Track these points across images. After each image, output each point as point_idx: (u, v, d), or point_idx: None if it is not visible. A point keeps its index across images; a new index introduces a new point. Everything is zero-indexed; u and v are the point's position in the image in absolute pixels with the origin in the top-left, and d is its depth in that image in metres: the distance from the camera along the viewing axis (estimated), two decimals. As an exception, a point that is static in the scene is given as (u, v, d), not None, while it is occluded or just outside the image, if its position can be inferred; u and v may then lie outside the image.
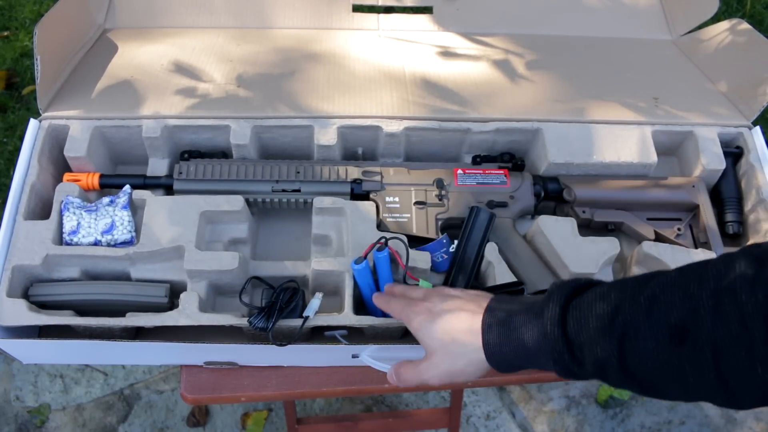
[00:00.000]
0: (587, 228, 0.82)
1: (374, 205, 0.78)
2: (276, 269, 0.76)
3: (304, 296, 0.72)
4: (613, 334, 0.48)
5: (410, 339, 0.78)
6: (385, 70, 0.92)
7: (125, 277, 0.76)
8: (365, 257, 0.71)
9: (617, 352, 0.48)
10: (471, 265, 0.75)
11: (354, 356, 0.74)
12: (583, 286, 0.53)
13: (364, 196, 0.80)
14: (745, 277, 0.42)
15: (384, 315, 0.74)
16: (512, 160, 0.85)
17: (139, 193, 0.77)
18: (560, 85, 0.92)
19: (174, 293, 0.74)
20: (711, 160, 0.84)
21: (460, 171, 0.83)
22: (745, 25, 0.91)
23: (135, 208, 0.78)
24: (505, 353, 0.55)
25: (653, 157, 0.83)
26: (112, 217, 0.75)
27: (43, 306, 0.72)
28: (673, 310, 0.46)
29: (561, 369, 0.52)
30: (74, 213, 0.75)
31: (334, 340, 0.71)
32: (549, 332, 0.52)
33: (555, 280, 0.56)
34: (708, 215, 0.82)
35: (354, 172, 0.81)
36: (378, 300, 0.68)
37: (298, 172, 0.80)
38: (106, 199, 0.77)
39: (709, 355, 0.43)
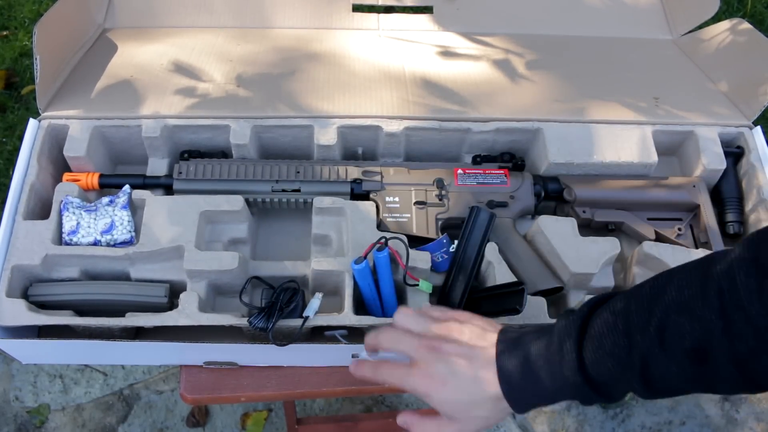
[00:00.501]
0: (587, 228, 0.82)
1: (374, 205, 0.78)
2: (276, 269, 0.76)
3: (304, 296, 0.72)
4: (633, 368, 0.48)
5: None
6: (385, 70, 0.92)
7: (125, 277, 0.76)
8: (365, 257, 0.70)
9: (642, 383, 0.48)
10: (471, 265, 0.75)
11: (354, 356, 0.74)
12: (587, 314, 0.51)
13: (364, 196, 0.80)
14: (750, 290, 0.42)
15: (384, 315, 0.73)
16: (512, 160, 0.85)
17: (138, 193, 0.77)
18: (560, 85, 0.92)
19: (174, 293, 0.74)
20: (711, 160, 0.84)
21: (460, 171, 0.82)
22: (745, 25, 0.91)
23: (134, 208, 0.78)
24: (528, 400, 0.53)
25: (654, 157, 0.83)
26: (111, 217, 0.75)
27: (42, 306, 0.72)
28: (685, 335, 0.45)
29: (586, 402, 0.52)
30: (74, 213, 0.75)
31: (334, 340, 0.71)
32: (571, 380, 0.50)
33: (558, 317, 0.54)
34: (709, 215, 0.81)
35: (354, 172, 0.81)
36: (360, 369, 0.60)
37: (298, 172, 0.80)
38: (105, 199, 0.77)
39: (733, 369, 0.44)
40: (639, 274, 0.77)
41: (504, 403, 0.53)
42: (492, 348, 0.53)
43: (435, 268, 0.75)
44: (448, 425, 0.55)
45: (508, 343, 0.53)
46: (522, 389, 0.52)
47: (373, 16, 1.03)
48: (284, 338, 0.68)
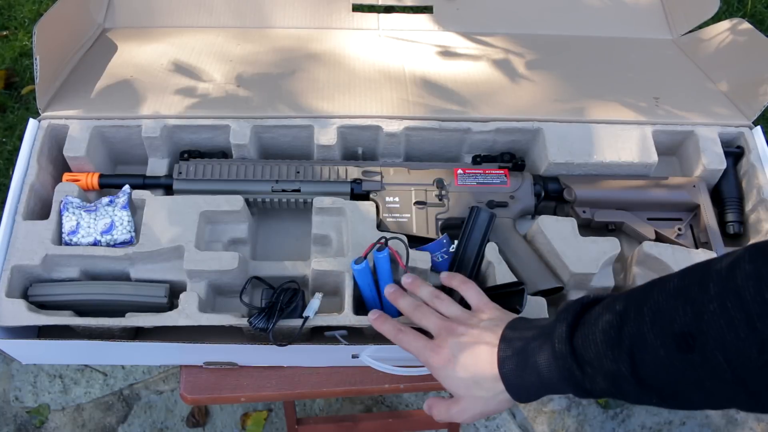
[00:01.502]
0: (587, 228, 0.82)
1: (374, 205, 0.78)
2: (276, 269, 0.76)
3: (304, 296, 0.72)
4: (622, 347, 0.48)
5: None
6: (385, 70, 0.92)
7: (125, 277, 0.76)
8: (365, 257, 0.70)
9: (629, 366, 0.48)
10: (471, 265, 0.75)
11: (354, 356, 0.74)
12: (592, 301, 0.53)
13: (364, 196, 0.80)
14: (748, 276, 0.41)
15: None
16: (512, 160, 0.85)
17: (138, 193, 0.77)
18: (560, 84, 0.92)
19: (174, 293, 0.74)
20: (712, 160, 0.84)
21: (460, 171, 0.82)
22: (746, 25, 0.91)
23: (134, 208, 0.78)
24: (524, 383, 0.56)
25: (654, 157, 0.83)
26: (111, 217, 0.75)
27: (42, 306, 0.72)
28: (676, 318, 0.45)
29: (575, 388, 0.52)
30: (74, 213, 0.75)
31: (334, 340, 0.71)
32: (558, 351, 0.52)
33: (566, 301, 0.57)
34: (709, 215, 0.81)
35: (354, 172, 0.81)
36: (381, 324, 0.66)
37: (298, 172, 0.80)
38: (105, 199, 0.77)
39: (722, 359, 0.43)
40: (639, 274, 0.77)
41: (501, 385, 0.56)
42: (499, 332, 0.59)
43: (435, 268, 0.75)
44: (454, 404, 0.60)
45: (512, 329, 0.59)
46: (515, 366, 0.56)
47: (373, 16, 1.03)
48: (284, 338, 0.68)
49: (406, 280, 0.68)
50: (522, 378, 0.55)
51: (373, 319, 0.67)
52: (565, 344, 0.51)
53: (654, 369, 0.47)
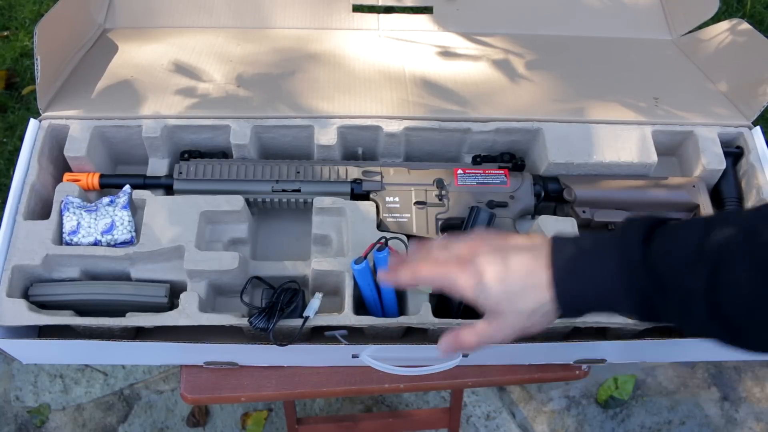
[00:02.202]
0: (587, 228, 0.82)
1: (374, 205, 0.78)
2: (276, 269, 0.76)
3: (304, 296, 0.72)
4: (704, 261, 0.42)
5: (410, 339, 0.78)
6: (385, 70, 0.92)
7: (125, 277, 0.76)
8: (365, 257, 0.70)
9: (708, 283, 0.42)
10: (471, 265, 0.75)
11: (354, 356, 0.74)
12: (661, 221, 0.48)
13: (364, 196, 0.80)
14: None
15: (384, 315, 0.74)
16: (512, 160, 0.85)
17: (139, 193, 0.77)
18: (560, 85, 0.92)
19: (174, 293, 0.74)
20: (711, 160, 0.84)
21: (460, 171, 0.82)
22: (745, 25, 0.91)
23: (135, 208, 0.78)
24: (577, 292, 0.49)
25: (653, 157, 0.83)
26: (112, 217, 0.75)
27: (42, 306, 0.72)
28: None
29: (640, 303, 0.46)
30: (74, 213, 0.75)
31: (334, 340, 0.71)
32: (628, 259, 0.46)
33: (626, 218, 0.50)
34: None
35: (354, 172, 0.81)
36: (396, 275, 0.58)
37: (298, 172, 0.80)
38: (106, 199, 0.77)
39: None
40: (639, 274, 0.77)
41: (548, 295, 0.49)
42: (545, 243, 0.51)
43: (435, 268, 0.75)
44: (490, 323, 0.53)
45: (560, 238, 0.52)
46: (569, 273, 0.49)
47: (373, 16, 1.03)
48: (284, 338, 0.68)
49: (412, 248, 0.61)
50: (576, 286, 0.49)
51: (385, 274, 0.59)
52: (637, 251, 0.45)
53: (736, 293, 0.41)
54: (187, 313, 0.70)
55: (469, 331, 0.54)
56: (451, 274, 0.53)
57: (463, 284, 0.52)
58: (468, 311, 0.73)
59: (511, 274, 0.51)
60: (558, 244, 0.51)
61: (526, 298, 0.50)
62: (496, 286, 0.51)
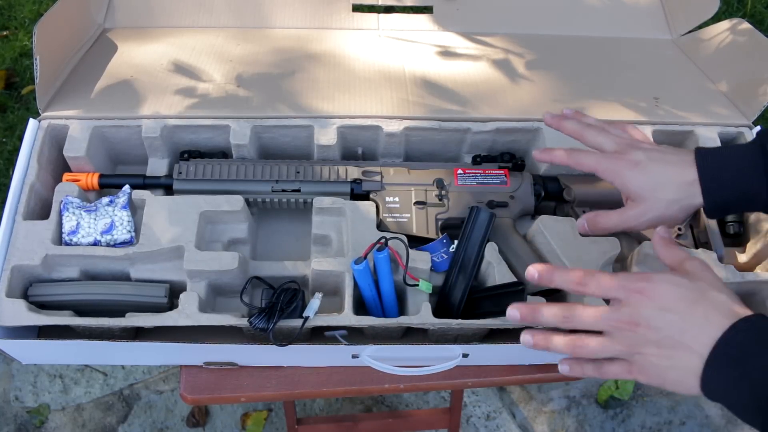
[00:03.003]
0: (587, 228, 0.82)
1: (374, 205, 0.78)
2: (276, 269, 0.76)
3: (304, 296, 0.72)
4: None
5: (410, 339, 0.78)
6: (385, 70, 0.92)
7: (125, 278, 0.76)
8: (365, 257, 0.70)
9: None
10: (471, 265, 0.75)
11: (354, 356, 0.74)
12: None
13: (364, 196, 0.80)
14: None
15: (384, 315, 0.74)
16: (512, 160, 0.85)
17: (138, 193, 0.77)
18: (560, 85, 0.92)
19: (174, 293, 0.74)
20: (711, 160, 0.84)
21: (460, 171, 0.82)
22: (745, 25, 0.91)
23: (134, 208, 0.78)
24: (721, 184, 0.56)
25: (654, 157, 0.83)
26: (111, 217, 0.75)
27: (42, 306, 0.72)
28: None
29: None
30: (74, 213, 0.75)
31: (334, 340, 0.71)
32: None
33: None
34: (709, 215, 0.82)
35: (354, 172, 0.81)
36: (549, 154, 0.67)
37: (298, 172, 0.80)
38: (105, 199, 0.77)
39: None
40: (639, 274, 0.77)
41: (688, 191, 0.58)
42: (690, 152, 0.59)
43: (435, 268, 0.75)
44: (631, 207, 0.61)
45: (704, 147, 0.60)
46: (715, 170, 0.56)
47: (373, 16, 1.03)
48: (284, 338, 0.68)
49: (566, 111, 0.69)
50: (720, 180, 0.56)
51: (540, 152, 0.69)
52: None
53: None
54: (187, 313, 0.70)
55: (609, 213, 0.61)
56: (610, 155, 0.61)
57: (616, 168, 0.61)
58: (468, 311, 0.73)
59: (661, 169, 0.59)
60: (701, 151, 0.59)
61: (668, 189, 0.58)
62: (645, 176, 0.59)
